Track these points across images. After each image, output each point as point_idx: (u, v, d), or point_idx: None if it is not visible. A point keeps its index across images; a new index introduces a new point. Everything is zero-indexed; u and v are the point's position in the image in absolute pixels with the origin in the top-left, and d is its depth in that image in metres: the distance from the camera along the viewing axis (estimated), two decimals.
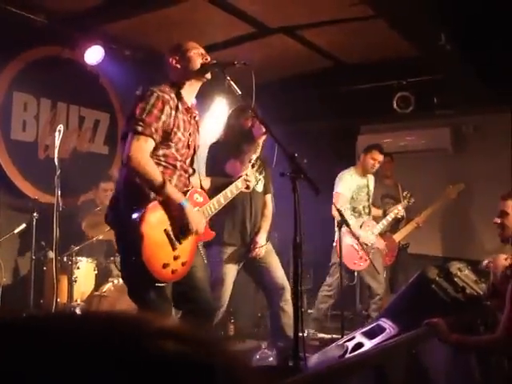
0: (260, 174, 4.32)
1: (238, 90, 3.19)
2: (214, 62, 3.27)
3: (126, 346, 0.57)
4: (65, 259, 5.13)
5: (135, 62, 6.16)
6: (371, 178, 6.21)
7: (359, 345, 3.06)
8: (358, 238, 5.63)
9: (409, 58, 6.22)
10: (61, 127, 4.79)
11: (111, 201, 3.17)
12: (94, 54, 5.68)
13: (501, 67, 5.98)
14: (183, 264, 3.13)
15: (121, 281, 5.25)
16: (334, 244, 6.01)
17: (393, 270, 6.50)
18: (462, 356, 3.08)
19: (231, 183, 3.64)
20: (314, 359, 3.29)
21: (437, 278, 3.66)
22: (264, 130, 3.86)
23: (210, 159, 4.27)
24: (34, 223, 4.94)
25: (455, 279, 3.82)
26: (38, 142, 5.88)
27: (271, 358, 4.43)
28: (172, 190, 3.02)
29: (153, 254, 2.96)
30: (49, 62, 5.84)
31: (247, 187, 3.65)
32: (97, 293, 5.24)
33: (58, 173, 4.67)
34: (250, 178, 3.64)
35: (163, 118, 3.02)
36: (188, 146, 3.25)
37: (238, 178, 3.65)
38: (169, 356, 0.57)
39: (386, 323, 3.26)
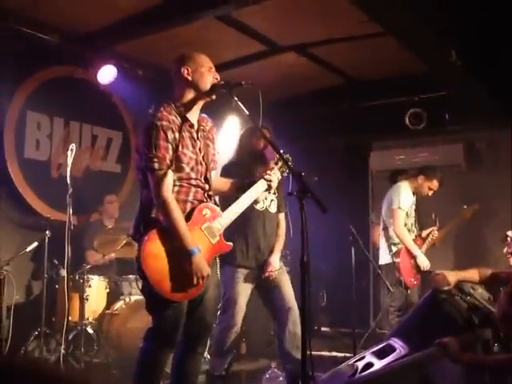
0: (273, 193, 4.35)
1: (246, 111, 3.17)
2: (222, 82, 3.27)
3: None
4: (77, 277, 5.14)
5: (147, 81, 6.22)
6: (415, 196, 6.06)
7: (369, 364, 3.03)
8: (415, 257, 5.59)
9: (420, 74, 6.22)
10: (73, 146, 4.82)
11: (136, 220, 3.19)
12: (106, 74, 5.73)
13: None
14: (196, 287, 3.10)
15: (132, 299, 5.28)
16: (385, 262, 5.87)
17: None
18: (474, 376, 3.03)
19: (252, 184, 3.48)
20: (324, 379, 3.26)
21: (449, 297, 3.62)
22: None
23: None
24: (47, 241, 4.97)
25: (468, 298, 3.78)
26: (51, 161, 5.93)
27: (281, 378, 4.39)
28: (185, 236, 3.02)
29: (161, 281, 3.00)
30: (62, 82, 5.91)
31: (269, 187, 3.47)
32: (108, 311, 5.24)
33: (70, 191, 4.69)
34: (272, 177, 3.44)
35: (170, 146, 3.03)
36: (200, 163, 3.23)
37: (259, 178, 3.47)
38: None
39: (396, 343, 3.22)
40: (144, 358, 3.21)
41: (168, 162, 3.02)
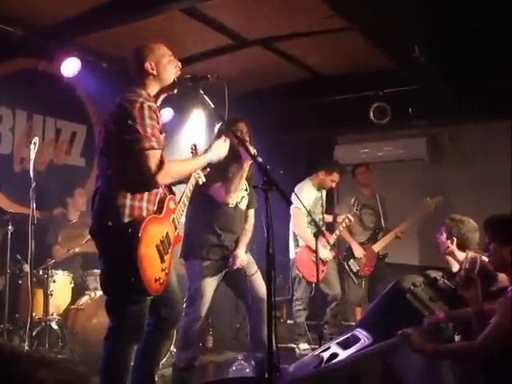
0: (245, 190, 4.44)
1: (212, 104, 3.19)
2: (188, 76, 3.28)
3: None
4: (40, 272, 5.08)
5: (112, 74, 6.14)
6: (323, 191, 6.28)
7: (334, 355, 3.07)
8: (316, 252, 5.72)
9: (385, 68, 6.28)
10: (36, 139, 4.75)
11: (96, 214, 3.13)
12: (70, 66, 5.65)
13: (475, 78, 6.08)
14: (166, 274, 3.17)
15: (98, 294, 5.23)
16: (292, 257, 6.10)
17: (371, 279, 6.54)
18: (435, 366, 3.10)
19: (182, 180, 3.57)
20: (290, 370, 3.30)
21: (412, 288, 3.69)
22: (253, 152, 3.82)
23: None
24: (9, 236, 4.89)
25: (431, 288, 3.86)
26: (14, 155, 5.84)
27: (247, 370, 4.42)
28: (199, 161, 3.38)
29: (147, 270, 2.98)
30: (25, 75, 5.81)
31: (197, 182, 3.60)
32: (73, 306, 5.19)
33: (34, 185, 4.63)
34: (200, 173, 3.60)
35: (158, 126, 3.04)
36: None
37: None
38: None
39: (360, 333, 3.28)
40: (111, 358, 3.17)
41: (161, 141, 3.02)
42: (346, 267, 6.18)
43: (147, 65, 3.21)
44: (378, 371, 2.71)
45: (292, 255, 6.12)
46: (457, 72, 5.95)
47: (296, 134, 8.07)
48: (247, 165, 4.07)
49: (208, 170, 3.68)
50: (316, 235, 5.00)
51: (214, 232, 4.26)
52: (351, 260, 6.36)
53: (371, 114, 7.10)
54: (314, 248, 5.67)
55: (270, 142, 7.19)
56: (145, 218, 3.00)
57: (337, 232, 6.11)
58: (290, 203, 2.80)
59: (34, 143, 4.70)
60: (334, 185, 6.26)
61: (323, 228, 6.15)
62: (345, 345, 3.19)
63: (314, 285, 5.91)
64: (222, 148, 3.42)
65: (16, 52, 5.68)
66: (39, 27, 5.48)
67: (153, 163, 2.94)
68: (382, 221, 6.63)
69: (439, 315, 3.44)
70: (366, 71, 6.68)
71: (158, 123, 3.04)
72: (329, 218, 6.48)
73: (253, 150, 3.71)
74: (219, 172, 4.09)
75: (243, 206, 4.44)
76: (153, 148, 2.94)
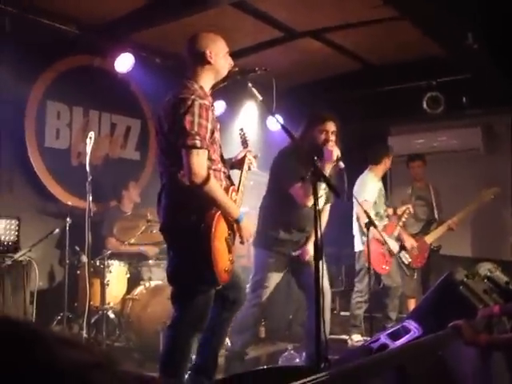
0: (323, 189, 4.26)
1: (260, 97, 3.21)
2: (236, 69, 3.31)
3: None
4: (97, 263, 5.24)
5: (165, 70, 6.25)
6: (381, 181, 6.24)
7: (384, 346, 3.07)
8: (385, 243, 5.67)
9: (438, 57, 6.18)
10: (92, 134, 4.89)
11: (165, 210, 3.20)
12: (124, 62, 5.78)
13: None
14: (232, 263, 3.27)
15: (152, 284, 5.36)
16: (359, 249, 6.03)
17: (425, 271, 6.46)
18: (489, 358, 3.05)
19: (234, 167, 3.63)
20: (338, 360, 3.31)
21: (465, 280, 3.63)
22: (337, 155, 3.84)
23: (274, 174, 4.31)
24: (68, 228, 5.06)
25: (485, 280, 3.78)
26: (71, 149, 6.02)
27: (297, 360, 4.45)
28: (233, 206, 3.18)
29: (219, 262, 3.09)
30: (81, 71, 5.98)
31: (249, 168, 3.60)
32: (129, 296, 5.33)
33: (90, 179, 4.77)
34: (251, 158, 3.59)
35: (209, 126, 3.03)
36: (220, 146, 3.29)
37: (242, 160, 3.58)
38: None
39: (411, 325, 3.25)
40: (172, 346, 3.26)
41: (207, 141, 3.03)
42: (398, 259, 6.12)
43: (207, 52, 3.21)
44: (428, 363, 2.69)
45: (359, 247, 6.02)
46: (511, 59, 5.79)
47: (349, 125, 7.97)
48: (329, 167, 3.96)
49: (258, 155, 3.70)
50: (368, 226, 4.97)
51: (287, 229, 4.28)
52: (402, 252, 6.30)
53: (425, 104, 7.00)
54: (382, 240, 5.69)
55: None
56: (215, 212, 3.07)
57: (400, 223, 6.08)
58: (339, 195, 2.81)
59: (90, 138, 4.84)
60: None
61: (387, 220, 6.14)
62: (395, 336, 3.17)
63: (382, 277, 5.92)
64: (250, 228, 3.36)
65: (72, 50, 5.86)
66: (94, 25, 5.64)
67: (194, 161, 2.95)
68: (436, 212, 6.53)
69: (493, 308, 3.38)
70: (419, 60, 6.58)
71: (208, 121, 3.02)
72: (389, 211, 6.40)
73: (336, 152, 3.73)
74: (298, 171, 3.98)
75: (320, 204, 4.23)
76: (195, 146, 2.94)
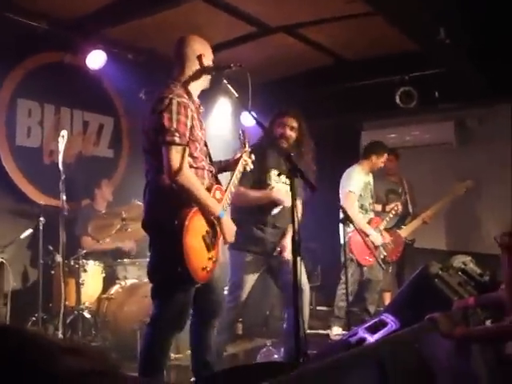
0: (287, 184, 4.29)
1: (235, 93, 3.23)
2: (211, 65, 3.31)
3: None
4: (72, 263, 5.17)
5: (137, 65, 6.20)
6: (371, 175, 6.26)
7: (362, 339, 3.09)
8: (368, 235, 5.71)
9: (410, 52, 6.22)
10: (65, 132, 4.81)
11: (146, 206, 3.24)
12: (96, 59, 5.71)
13: (502, 59, 5.98)
14: (214, 262, 3.27)
15: (128, 282, 5.32)
16: (343, 241, 6.03)
17: (400, 265, 6.53)
18: (464, 350, 3.09)
19: (229, 168, 3.65)
20: (317, 355, 3.32)
21: (440, 273, 3.67)
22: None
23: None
24: (41, 228, 4.98)
25: (459, 273, 3.83)
26: (43, 148, 5.93)
27: (275, 356, 4.46)
28: (212, 203, 3.17)
29: (194, 259, 3.08)
30: (51, 68, 5.88)
31: (245, 169, 3.62)
32: (104, 295, 5.28)
33: (63, 177, 4.70)
34: (247, 159, 3.60)
35: (188, 123, 3.08)
36: (205, 144, 3.34)
37: (237, 160, 3.61)
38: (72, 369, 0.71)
39: (388, 318, 3.28)
40: (150, 343, 3.27)
41: (186, 138, 3.07)
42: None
43: (202, 55, 3.30)
44: (405, 356, 2.71)
45: (343, 239, 6.08)
46: (483, 54, 5.85)
47: (322, 120, 8.03)
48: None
49: (253, 157, 3.70)
50: (343, 221, 4.99)
51: (258, 226, 4.30)
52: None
53: (397, 99, 7.04)
54: (366, 232, 5.78)
55: None
56: (190, 210, 3.08)
57: (387, 219, 6.13)
58: (315, 189, 2.82)
59: (63, 136, 4.77)
60: (382, 164, 6.23)
61: (372, 214, 6.19)
62: (372, 329, 3.20)
63: (364, 269, 5.97)
64: (231, 227, 3.34)
65: (42, 46, 5.76)
66: (64, 21, 5.55)
67: (172, 157, 2.99)
68: (410, 206, 6.59)
69: (468, 300, 3.42)
70: (392, 55, 6.62)
71: (187, 118, 3.07)
72: (378, 208, 6.43)
73: (310, 145, 3.75)
74: (261, 160, 4.11)
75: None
76: (173, 142, 3.00)
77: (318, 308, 7.44)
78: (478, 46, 5.74)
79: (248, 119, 6.02)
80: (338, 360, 2.38)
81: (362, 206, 6.04)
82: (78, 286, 5.11)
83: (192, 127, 3.12)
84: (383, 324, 3.23)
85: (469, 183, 6.36)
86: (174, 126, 3.00)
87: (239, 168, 3.57)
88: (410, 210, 6.62)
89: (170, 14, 5.35)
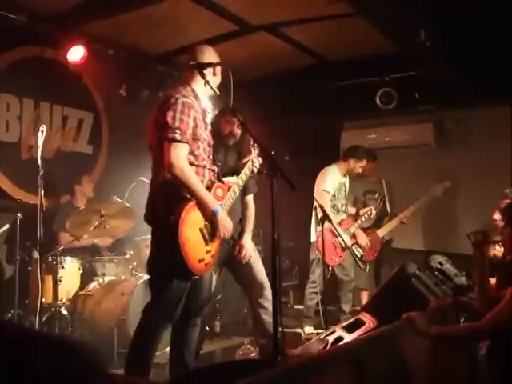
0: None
1: (217, 91, 3.27)
2: (193, 63, 3.33)
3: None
4: (49, 259, 5.13)
5: (118, 61, 6.16)
6: (347, 177, 6.31)
7: (339, 338, 3.11)
8: (338, 235, 5.77)
9: (391, 54, 6.27)
10: (43, 127, 4.77)
11: (148, 202, 3.39)
12: (76, 54, 5.67)
13: (481, 62, 6.05)
14: (212, 256, 3.39)
15: (106, 279, 5.29)
16: (313, 240, 6.09)
17: (377, 264, 6.58)
18: (440, 349, 3.13)
19: (238, 172, 3.79)
20: (295, 354, 3.34)
21: (417, 272, 3.71)
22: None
23: None
24: (18, 223, 4.93)
25: (436, 273, 3.88)
26: (22, 143, 5.87)
27: (254, 354, 4.47)
28: (208, 198, 3.28)
29: (190, 251, 3.19)
30: (31, 62, 5.83)
31: (253, 171, 3.78)
32: (82, 292, 5.25)
33: (42, 173, 4.66)
34: (255, 161, 3.76)
35: (191, 122, 3.22)
36: (209, 145, 3.46)
37: (245, 164, 3.78)
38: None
39: (366, 317, 3.31)
40: (141, 331, 3.39)
41: (188, 136, 3.20)
42: (351, 252, 6.21)
43: (214, 70, 3.46)
44: (382, 354, 2.74)
45: (314, 237, 6.12)
46: (463, 56, 5.92)
47: (302, 120, 8.07)
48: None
49: (261, 161, 3.81)
50: (322, 220, 5.03)
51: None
52: (355, 245, 6.39)
53: (378, 100, 7.09)
54: (335, 231, 5.82)
55: (275, 128, 7.20)
56: (188, 203, 3.20)
57: (359, 222, 6.18)
58: (294, 188, 2.84)
59: (42, 131, 4.73)
60: (361, 170, 6.27)
61: (344, 215, 6.24)
62: (350, 328, 3.23)
63: (330, 268, 5.99)
64: (227, 223, 3.41)
65: (22, 40, 5.70)
66: (44, 15, 5.48)
67: (172, 153, 3.13)
68: (388, 206, 6.64)
69: (444, 300, 3.46)
70: (372, 56, 6.66)
71: (190, 117, 3.20)
72: (352, 211, 6.47)
73: (250, 140, 3.85)
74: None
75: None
76: (174, 139, 3.14)
77: (296, 307, 7.46)
78: (457, 49, 5.80)
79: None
80: (315, 358, 2.39)
81: (334, 206, 6.10)
82: (56, 282, 5.07)
83: (195, 127, 3.26)
84: (361, 323, 3.26)
85: (447, 184, 6.43)
86: (177, 123, 3.15)
87: (245, 170, 3.73)
88: (388, 210, 6.67)
89: (152, 9, 5.32)
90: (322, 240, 5.06)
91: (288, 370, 2.30)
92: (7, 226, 5.08)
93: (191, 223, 3.21)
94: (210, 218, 3.31)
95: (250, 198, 4.55)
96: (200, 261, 3.26)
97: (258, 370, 2.17)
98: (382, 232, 6.51)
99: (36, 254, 4.97)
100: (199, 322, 3.67)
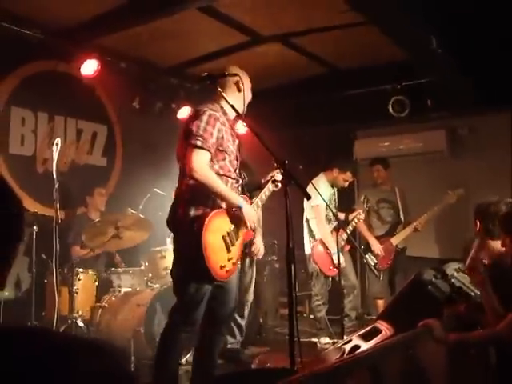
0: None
1: (230, 101, 3.28)
2: (206, 74, 3.36)
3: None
4: (65, 271, 5.16)
5: (131, 74, 6.22)
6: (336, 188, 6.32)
7: (356, 347, 3.09)
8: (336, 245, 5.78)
9: (403, 61, 6.27)
10: (58, 140, 4.83)
11: (171, 209, 3.47)
12: (89, 67, 5.73)
13: (493, 68, 6.03)
14: (234, 264, 3.47)
15: (122, 291, 5.30)
16: (308, 252, 6.11)
17: (391, 273, 6.53)
18: (458, 357, 3.11)
19: (259, 186, 3.92)
20: (311, 362, 3.32)
21: (433, 280, 3.69)
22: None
23: None
24: (34, 236, 4.98)
25: (452, 280, 3.85)
26: (37, 156, 5.93)
27: (269, 364, 4.46)
28: (231, 194, 3.40)
29: (212, 256, 3.27)
30: (45, 77, 5.90)
31: (276, 186, 3.84)
32: (98, 304, 5.27)
33: (57, 186, 4.71)
34: (278, 178, 3.82)
35: (215, 133, 3.33)
36: (236, 158, 3.56)
37: (268, 181, 3.87)
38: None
39: (382, 325, 3.29)
40: (163, 334, 3.50)
41: (210, 144, 3.30)
42: (364, 261, 6.18)
43: (238, 82, 3.60)
44: (399, 362, 2.73)
45: (308, 250, 6.13)
46: (475, 63, 5.90)
47: (315, 129, 8.07)
48: None
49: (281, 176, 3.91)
50: (336, 229, 5.03)
51: None
52: (368, 253, 6.37)
53: (390, 108, 7.08)
54: (327, 244, 5.84)
55: (289, 137, 7.22)
56: (212, 209, 3.32)
57: (350, 227, 6.16)
58: (309, 198, 2.86)
59: (57, 144, 4.78)
60: (346, 184, 6.26)
61: (335, 224, 6.18)
62: (366, 337, 3.21)
63: (330, 279, 5.98)
64: (252, 214, 3.52)
65: (36, 55, 5.78)
66: (57, 29, 5.56)
67: (193, 158, 3.23)
68: (401, 214, 6.61)
69: (460, 307, 3.44)
70: (384, 65, 6.66)
71: (214, 128, 3.32)
72: (341, 216, 6.47)
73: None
74: None
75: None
76: (196, 145, 3.24)
77: (312, 316, 7.43)
78: (469, 56, 5.79)
79: (241, 127, 6.05)
80: (332, 367, 2.39)
81: (325, 216, 6.07)
82: (72, 294, 5.09)
83: (221, 138, 3.37)
84: (377, 331, 3.24)
85: (460, 192, 6.39)
86: (200, 132, 3.27)
87: (269, 186, 3.83)
88: (402, 218, 6.64)
89: (163, 22, 5.37)
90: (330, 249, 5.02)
91: (306, 378, 2.29)
92: (23, 239, 5.12)
93: (214, 230, 3.30)
94: (235, 223, 3.42)
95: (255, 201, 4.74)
96: (221, 267, 3.33)
97: (276, 378, 2.18)
98: (395, 240, 6.48)
99: (52, 267, 5.00)
100: (224, 329, 3.78)
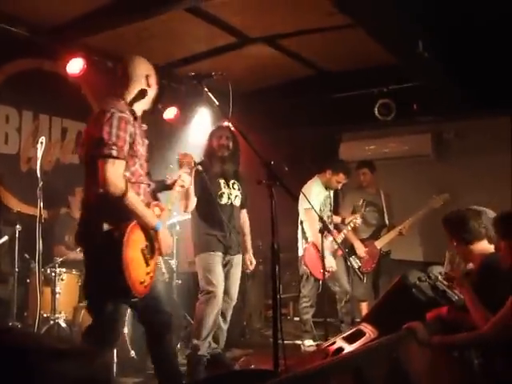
0: (238, 189, 4.92)
1: (216, 101, 3.25)
2: (192, 74, 3.34)
3: None
4: (48, 271, 5.11)
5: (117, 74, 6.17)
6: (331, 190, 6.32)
7: (340, 349, 3.10)
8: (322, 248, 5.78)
9: (389, 65, 6.28)
10: (43, 139, 4.78)
11: (81, 221, 3.23)
12: (75, 66, 5.68)
13: (479, 73, 6.07)
14: (151, 277, 3.24)
15: None
16: (301, 254, 6.11)
17: (376, 275, 6.55)
18: (441, 360, 3.12)
19: (167, 187, 3.74)
20: (295, 364, 3.31)
21: (417, 282, 3.70)
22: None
23: (199, 182, 4.52)
24: (17, 235, 4.92)
25: (436, 283, 3.87)
26: (21, 155, 5.87)
27: (252, 366, 4.45)
28: (148, 214, 3.18)
29: (133, 274, 3.05)
30: (31, 75, 5.84)
31: (182, 186, 3.73)
32: (81, 304, 5.22)
33: (41, 185, 4.66)
34: (184, 179, 3.70)
35: (127, 138, 3.09)
36: (146, 160, 3.35)
37: (175, 181, 3.69)
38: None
39: (366, 328, 3.30)
40: None
41: (124, 152, 3.06)
42: (349, 263, 6.19)
43: (149, 78, 3.40)
44: (383, 365, 2.73)
45: (300, 252, 6.13)
46: (461, 67, 5.93)
47: (301, 131, 8.08)
48: None
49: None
50: (321, 231, 5.02)
51: (214, 228, 4.83)
52: (352, 256, 6.39)
53: (376, 111, 7.11)
54: (318, 247, 5.77)
55: (274, 138, 7.22)
56: (129, 222, 3.06)
57: (344, 231, 6.17)
58: (296, 199, 2.86)
59: (41, 143, 4.73)
60: (339, 186, 6.26)
61: (332, 227, 6.20)
62: (350, 339, 3.21)
63: (320, 282, 5.97)
64: (168, 240, 3.36)
65: (21, 53, 5.72)
66: (44, 28, 5.51)
67: (109, 170, 2.98)
68: (386, 218, 6.63)
69: (443, 309, 3.45)
70: (371, 68, 6.68)
71: (126, 133, 3.08)
72: (337, 220, 6.48)
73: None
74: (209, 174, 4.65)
75: (237, 203, 4.95)
76: (111, 155, 2.99)
77: (295, 319, 7.43)
78: (455, 60, 5.82)
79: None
80: (316, 369, 2.38)
81: (319, 220, 6.05)
82: (54, 294, 5.04)
83: (132, 142, 3.14)
84: (361, 333, 3.25)
85: (445, 196, 6.42)
86: (113, 139, 3.01)
87: (176, 188, 3.67)
88: (387, 222, 6.66)
89: (150, 22, 5.34)
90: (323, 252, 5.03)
91: (289, 380, 2.29)
92: (6, 238, 5.07)
93: (133, 245, 3.07)
94: (150, 237, 3.21)
95: (244, 213, 5.06)
96: (141, 283, 3.11)
97: (260, 380, 2.16)
98: (379, 243, 6.51)
99: (35, 267, 4.95)
100: (168, 335, 3.45)
